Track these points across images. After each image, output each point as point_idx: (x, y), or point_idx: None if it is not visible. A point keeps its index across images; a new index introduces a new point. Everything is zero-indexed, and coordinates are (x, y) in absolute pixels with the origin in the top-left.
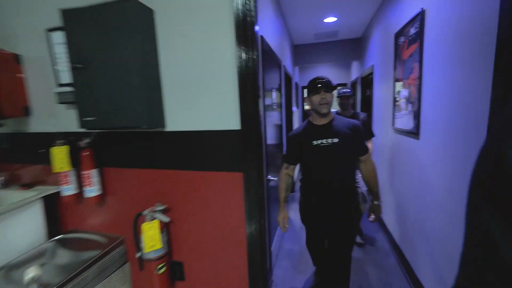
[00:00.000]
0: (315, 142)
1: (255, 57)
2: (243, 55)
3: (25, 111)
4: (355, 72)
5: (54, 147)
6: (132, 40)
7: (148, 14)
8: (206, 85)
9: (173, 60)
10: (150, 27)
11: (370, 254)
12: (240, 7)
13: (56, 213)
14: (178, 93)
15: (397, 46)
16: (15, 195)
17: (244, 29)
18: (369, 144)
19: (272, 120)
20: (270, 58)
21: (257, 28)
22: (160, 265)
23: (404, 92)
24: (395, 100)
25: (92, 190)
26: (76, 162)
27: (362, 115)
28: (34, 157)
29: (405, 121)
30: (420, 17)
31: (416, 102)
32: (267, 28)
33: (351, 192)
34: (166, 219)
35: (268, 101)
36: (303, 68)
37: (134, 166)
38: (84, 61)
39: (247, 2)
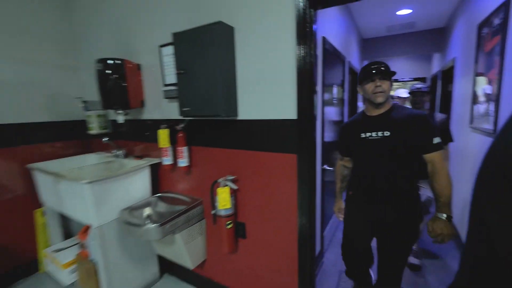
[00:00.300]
0: (363, 135)
1: (312, 57)
2: (302, 55)
3: (142, 104)
4: (436, 65)
5: (159, 129)
6: (218, 51)
7: (230, 31)
8: (270, 82)
9: (246, 63)
10: (231, 40)
11: (430, 282)
12: (301, 13)
13: (157, 177)
14: (248, 89)
15: (480, 38)
16: (132, 162)
17: (304, 34)
18: (445, 150)
19: (330, 112)
20: (332, 56)
21: (315, 31)
22: (228, 222)
23: (485, 88)
24: (475, 96)
25: (183, 162)
26: (173, 141)
27: (440, 117)
28: (145, 137)
29: (483, 120)
30: (505, 7)
31: (495, 99)
32: (331, 28)
33: (406, 198)
34: (234, 186)
35: (328, 96)
36: None
37: (213, 146)
38: (185, 68)
39: (307, 11)
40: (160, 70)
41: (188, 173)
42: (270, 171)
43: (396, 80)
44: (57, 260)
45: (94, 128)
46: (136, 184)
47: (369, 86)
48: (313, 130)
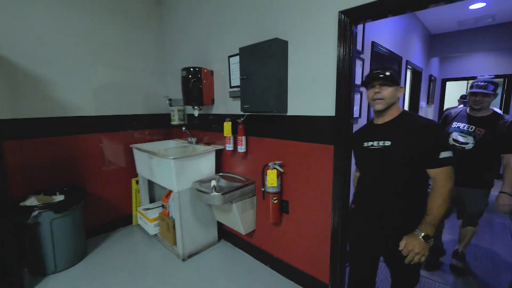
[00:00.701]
0: (365, 144)
1: (351, 62)
2: (341, 63)
3: (212, 101)
4: None
5: (225, 122)
6: (274, 62)
7: (284, 45)
8: (314, 85)
9: (295, 70)
10: (285, 52)
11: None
12: (342, 28)
13: (220, 160)
14: (297, 90)
15: None
16: (202, 147)
17: (344, 45)
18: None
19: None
20: (385, 57)
21: (354, 43)
22: (275, 198)
23: None
24: None
25: (241, 148)
26: (234, 131)
27: (506, 118)
28: (213, 127)
29: None
30: None
31: None
32: (383, 31)
33: (411, 214)
34: (281, 169)
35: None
36: (447, 59)
37: (265, 136)
38: (247, 74)
39: (347, 27)
40: (228, 75)
41: (244, 157)
42: (311, 159)
43: (474, 77)
44: (146, 216)
45: (175, 120)
46: (204, 163)
47: (369, 93)
48: (349, 126)
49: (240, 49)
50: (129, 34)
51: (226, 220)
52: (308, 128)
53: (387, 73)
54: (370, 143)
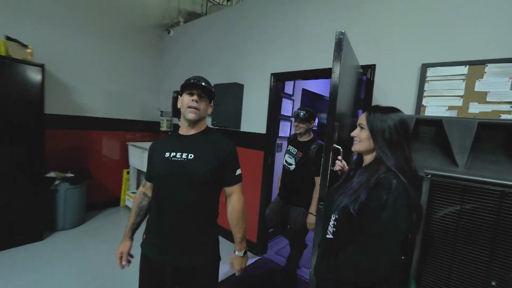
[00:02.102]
0: (167, 154)
1: (277, 101)
2: (271, 99)
3: None
4: None
5: None
6: (234, 96)
7: (241, 86)
8: (256, 112)
9: (246, 102)
10: (241, 91)
11: None
12: (272, 85)
13: None
14: (246, 115)
15: None
16: None
17: (273, 92)
18: None
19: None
20: (311, 98)
21: (279, 92)
22: None
23: None
24: None
25: None
26: None
27: (317, 143)
28: None
29: None
30: None
31: None
32: (311, 81)
33: (201, 236)
34: None
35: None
36: None
37: None
38: (217, 101)
39: (274, 84)
40: None
41: None
42: (251, 159)
43: None
44: (132, 197)
45: (164, 126)
46: None
47: (186, 99)
48: (274, 140)
49: (215, 85)
50: (136, 59)
51: None
52: (251, 139)
53: (203, 84)
54: (173, 154)
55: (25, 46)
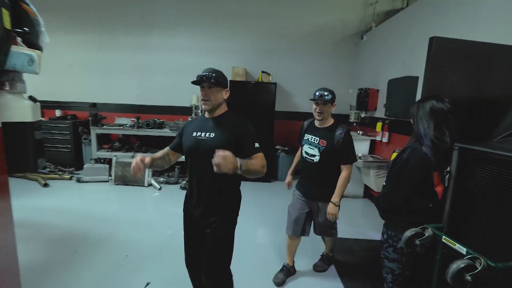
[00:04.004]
0: (194, 134)
1: None
2: None
3: (375, 109)
4: None
5: (378, 122)
6: (406, 89)
7: (415, 79)
8: None
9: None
10: (415, 82)
11: None
12: None
13: (373, 146)
14: None
15: None
16: (362, 137)
17: None
18: None
19: None
20: None
21: None
22: None
23: None
24: None
25: (385, 139)
26: (383, 129)
27: (342, 128)
28: (369, 124)
29: None
30: None
31: None
32: None
33: (219, 199)
34: None
35: None
36: None
37: (400, 133)
38: (390, 94)
39: None
40: (385, 92)
41: (386, 146)
42: None
43: None
44: None
45: (352, 118)
46: (362, 146)
47: (200, 93)
48: None
49: (389, 80)
50: (334, 64)
51: (366, 181)
52: None
53: (209, 76)
54: (198, 134)
55: (269, 74)
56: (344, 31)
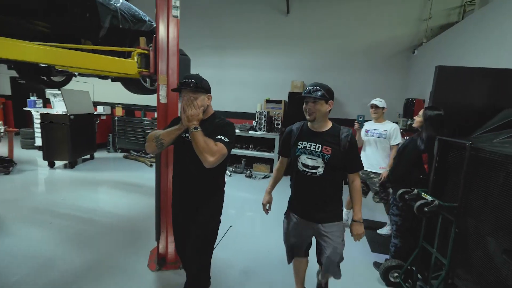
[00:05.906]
0: (183, 135)
1: None
2: None
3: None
4: None
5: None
6: None
7: None
8: None
9: None
10: None
11: None
12: None
13: None
14: None
15: None
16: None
17: None
18: None
19: None
20: None
21: None
22: None
23: None
24: None
25: None
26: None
27: (345, 129)
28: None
29: None
30: None
31: None
32: None
33: (205, 196)
34: None
35: None
36: None
37: None
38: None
39: None
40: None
41: None
42: None
43: None
44: None
45: (401, 125)
46: None
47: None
48: None
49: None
50: (385, 76)
51: None
52: None
53: (193, 80)
54: (187, 135)
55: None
56: (396, 47)
